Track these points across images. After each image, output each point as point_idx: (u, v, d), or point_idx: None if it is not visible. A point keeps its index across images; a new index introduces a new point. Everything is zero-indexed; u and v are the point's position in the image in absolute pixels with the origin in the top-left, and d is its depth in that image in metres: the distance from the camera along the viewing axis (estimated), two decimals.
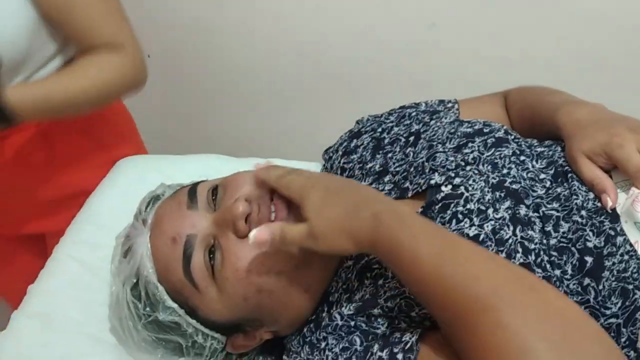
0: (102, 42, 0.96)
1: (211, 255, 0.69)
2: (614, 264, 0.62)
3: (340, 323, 0.67)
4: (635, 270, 0.61)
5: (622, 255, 0.62)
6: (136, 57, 1.00)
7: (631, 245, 0.63)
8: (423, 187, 0.73)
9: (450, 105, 0.90)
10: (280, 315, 0.72)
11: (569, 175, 0.70)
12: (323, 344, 0.67)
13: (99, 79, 0.97)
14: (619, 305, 0.60)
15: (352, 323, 0.67)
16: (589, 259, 0.63)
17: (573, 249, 0.64)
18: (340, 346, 0.65)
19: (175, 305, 0.72)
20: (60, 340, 0.83)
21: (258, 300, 0.69)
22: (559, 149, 0.75)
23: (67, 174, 1.11)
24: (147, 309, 0.73)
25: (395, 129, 0.85)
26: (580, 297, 0.62)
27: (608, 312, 0.60)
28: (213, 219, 0.71)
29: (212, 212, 0.72)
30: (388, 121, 0.88)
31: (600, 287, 0.61)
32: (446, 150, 0.76)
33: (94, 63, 0.97)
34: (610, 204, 0.65)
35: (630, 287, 0.60)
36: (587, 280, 0.62)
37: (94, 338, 0.83)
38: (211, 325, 0.73)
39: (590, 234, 0.65)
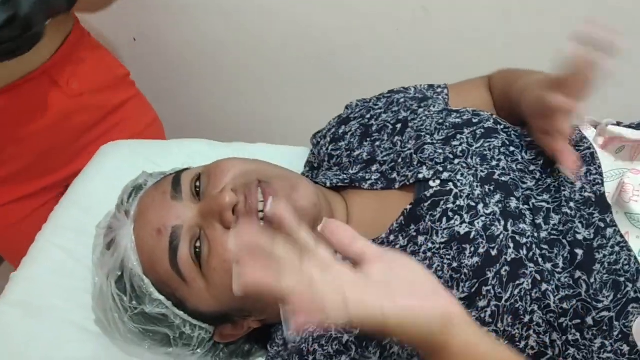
0: None
1: (197, 247, 0.68)
2: (604, 256, 0.62)
3: (333, 335, 0.66)
4: (626, 263, 0.61)
5: (612, 247, 0.62)
6: None
7: (622, 236, 0.63)
8: (411, 181, 0.72)
9: (439, 90, 0.89)
10: (267, 306, 0.72)
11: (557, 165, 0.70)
12: (311, 358, 0.66)
13: None
14: (610, 298, 0.60)
15: (344, 339, 0.65)
16: (579, 252, 0.63)
17: (564, 241, 0.64)
18: None
19: (162, 298, 0.71)
20: (43, 329, 0.81)
21: None
22: None
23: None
24: (133, 302, 0.72)
25: (384, 115, 0.84)
26: (572, 291, 0.61)
27: (600, 305, 0.60)
28: (198, 209, 0.70)
29: (196, 202, 0.71)
30: (377, 107, 0.87)
31: (592, 280, 0.61)
32: (434, 141, 0.75)
33: None
34: (566, 165, 0.65)
35: (622, 279, 0.60)
36: (578, 274, 0.62)
37: (78, 326, 0.82)
38: (199, 316, 0.72)
39: (580, 225, 0.64)
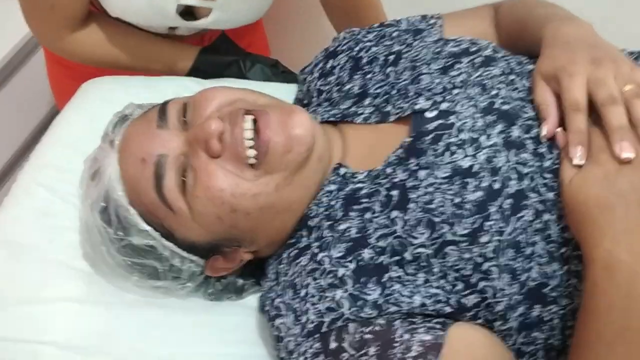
0: None
1: (183, 175, 0.66)
2: None
3: (327, 268, 0.64)
4: None
5: None
6: None
7: None
8: (407, 112, 0.70)
9: (433, 21, 0.85)
10: (257, 236, 0.70)
11: None
12: (303, 292, 0.65)
13: None
14: None
15: (340, 273, 0.63)
16: None
17: None
18: (326, 305, 0.62)
19: (149, 228, 0.69)
20: (29, 269, 0.79)
21: (233, 219, 0.67)
22: None
23: None
24: (120, 232, 0.70)
25: (374, 48, 0.81)
26: None
27: None
28: (185, 138, 0.68)
29: (182, 131, 0.69)
30: (366, 40, 0.83)
31: None
32: (431, 71, 0.72)
33: None
34: (544, 132, 0.63)
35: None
36: None
37: (64, 265, 0.79)
38: (188, 248, 0.71)
39: None
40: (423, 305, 0.61)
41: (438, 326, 0.59)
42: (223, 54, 1.04)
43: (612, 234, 0.54)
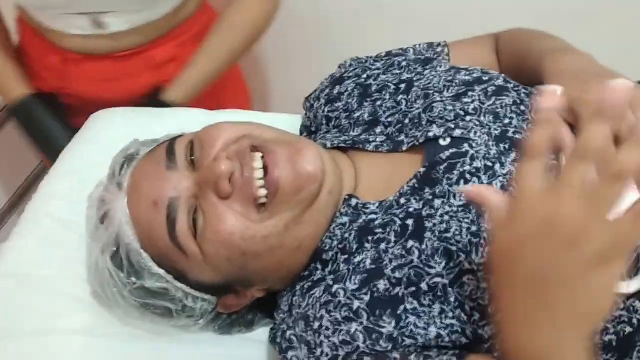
0: None
1: (195, 218, 0.66)
2: None
3: (342, 301, 0.63)
4: None
5: None
6: None
7: None
8: (420, 141, 0.69)
9: (440, 49, 0.86)
10: (269, 275, 0.70)
11: None
12: (317, 324, 0.63)
13: (247, 27, 1.10)
14: None
15: (355, 306, 0.62)
16: None
17: None
18: (340, 338, 0.62)
19: (162, 272, 0.69)
20: (38, 301, 0.79)
21: (243, 262, 0.66)
22: None
23: None
24: (132, 277, 0.69)
25: (383, 76, 0.80)
26: None
27: None
28: (195, 179, 0.67)
29: (191, 171, 0.68)
30: (374, 67, 0.82)
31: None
32: (444, 99, 0.72)
33: (236, 11, 1.09)
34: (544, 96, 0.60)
35: None
36: None
37: (73, 296, 0.79)
38: (201, 288, 0.70)
39: None
40: (439, 336, 0.60)
41: (454, 358, 0.59)
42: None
43: None
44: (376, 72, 0.81)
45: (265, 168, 0.66)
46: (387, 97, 0.77)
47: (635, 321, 0.59)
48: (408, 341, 0.60)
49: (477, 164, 0.65)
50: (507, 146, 0.66)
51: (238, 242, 0.65)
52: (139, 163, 0.72)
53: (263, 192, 0.66)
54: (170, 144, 0.70)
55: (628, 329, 0.59)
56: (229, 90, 1.21)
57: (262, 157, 0.67)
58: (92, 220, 0.73)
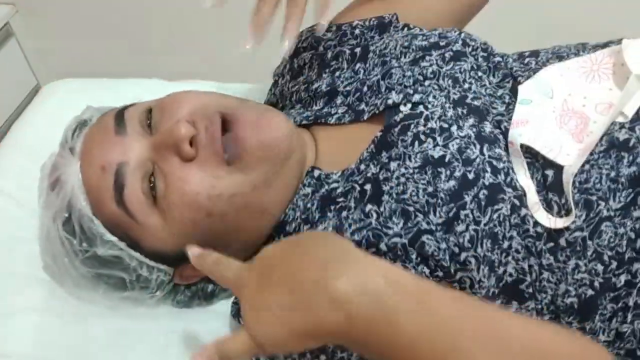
0: None
1: (152, 182, 0.64)
2: (576, 175, 0.61)
3: None
4: (597, 181, 0.60)
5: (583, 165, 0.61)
6: None
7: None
8: (380, 109, 0.68)
9: (390, 18, 0.80)
10: (231, 240, 0.68)
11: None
12: None
13: None
14: (583, 218, 0.59)
15: None
16: (549, 173, 0.62)
17: (537, 164, 0.63)
18: None
19: (114, 239, 0.67)
20: None
21: (208, 224, 0.65)
22: (511, 58, 0.73)
23: None
24: (84, 244, 0.67)
25: (339, 47, 0.78)
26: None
27: (573, 226, 0.60)
28: (151, 142, 0.65)
29: (147, 137, 0.66)
30: (326, 37, 0.80)
31: (563, 201, 0.60)
32: (402, 65, 0.71)
33: None
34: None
35: (594, 198, 0.60)
36: (550, 195, 0.61)
37: (25, 276, 0.77)
38: (156, 257, 0.68)
39: None
40: None
41: None
42: None
43: None
44: (330, 42, 0.80)
45: (230, 132, 0.65)
46: (345, 65, 0.76)
47: (597, 284, 0.59)
48: None
49: (432, 124, 0.64)
50: (464, 111, 0.66)
51: (204, 201, 0.63)
52: (89, 129, 0.70)
53: (228, 148, 0.64)
54: (120, 111, 0.69)
55: (590, 292, 0.59)
56: None
57: (229, 124, 0.65)
58: (44, 190, 0.71)
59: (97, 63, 1.43)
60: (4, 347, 0.72)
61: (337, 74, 0.76)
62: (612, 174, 0.59)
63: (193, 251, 0.57)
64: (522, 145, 0.63)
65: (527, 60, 0.72)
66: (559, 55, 0.71)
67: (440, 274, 0.59)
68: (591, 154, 0.61)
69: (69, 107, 0.86)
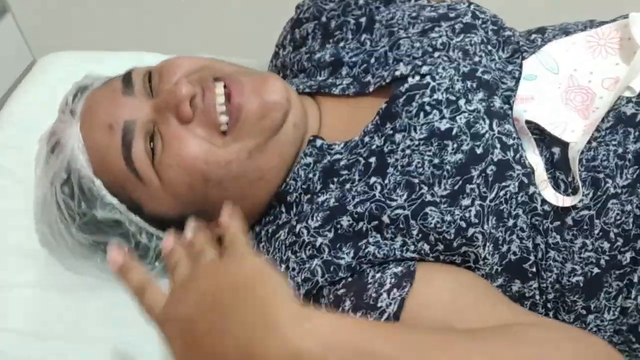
0: None
1: (151, 143, 0.64)
2: (583, 152, 0.60)
3: (306, 239, 0.62)
4: (604, 158, 0.59)
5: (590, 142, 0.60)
6: None
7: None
8: (387, 80, 0.67)
9: None
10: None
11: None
12: (283, 267, 0.63)
13: None
14: (590, 195, 0.59)
15: (318, 243, 0.61)
16: (556, 150, 0.61)
17: (544, 142, 0.62)
18: (302, 276, 0.61)
19: (115, 201, 0.66)
20: None
21: (205, 189, 0.64)
22: (518, 34, 0.72)
23: None
24: (82, 206, 0.66)
25: (343, 17, 0.77)
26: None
27: (580, 204, 0.59)
28: (152, 104, 0.64)
29: (149, 98, 0.65)
30: (329, 7, 0.79)
31: (570, 179, 0.60)
32: (410, 35, 0.70)
33: None
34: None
35: (601, 175, 0.59)
36: (557, 173, 0.61)
37: (20, 249, 0.76)
38: (156, 223, 0.67)
39: None
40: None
41: (410, 262, 0.58)
42: None
43: None
44: (333, 12, 0.78)
45: (227, 96, 0.64)
46: (350, 36, 0.75)
47: (602, 262, 0.59)
48: (365, 267, 0.59)
49: (438, 96, 0.63)
50: (474, 84, 0.64)
51: (201, 166, 0.63)
52: (93, 91, 0.70)
53: (224, 118, 0.64)
54: (127, 73, 0.68)
55: (596, 270, 0.59)
56: None
57: (225, 87, 0.65)
58: (42, 157, 0.70)
59: (94, 38, 1.41)
60: (1, 321, 0.71)
61: (342, 44, 0.75)
62: (620, 150, 0.59)
63: (113, 253, 0.55)
64: (528, 122, 0.62)
65: (533, 37, 0.71)
66: (566, 31, 0.70)
67: (441, 247, 0.59)
68: (598, 130, 0.60)
69: (66, 78, 0.85)
